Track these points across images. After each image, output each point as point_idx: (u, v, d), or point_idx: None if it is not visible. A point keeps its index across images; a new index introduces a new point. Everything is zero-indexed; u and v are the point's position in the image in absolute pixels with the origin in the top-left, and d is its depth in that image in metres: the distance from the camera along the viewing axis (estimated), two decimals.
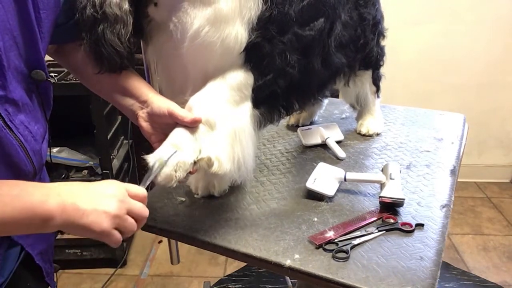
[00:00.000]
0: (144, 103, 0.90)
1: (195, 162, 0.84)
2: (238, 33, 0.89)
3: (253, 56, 0.93)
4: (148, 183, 0.80)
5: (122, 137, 2.39)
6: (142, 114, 0.90)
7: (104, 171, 2.06)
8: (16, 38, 0.71)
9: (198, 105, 0.88)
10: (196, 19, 0.87)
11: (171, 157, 0.81)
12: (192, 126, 0.86)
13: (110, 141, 2.12)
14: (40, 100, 0.81)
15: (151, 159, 0.81)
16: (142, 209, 0.73)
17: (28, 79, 0.76)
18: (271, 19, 0.92)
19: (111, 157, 2.13)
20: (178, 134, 0.85)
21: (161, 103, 0.88)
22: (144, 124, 0.90)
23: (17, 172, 0.73)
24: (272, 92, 1.00)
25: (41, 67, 0.77)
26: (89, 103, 1.91)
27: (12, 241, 0.83)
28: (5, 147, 0.70)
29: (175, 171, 0.81)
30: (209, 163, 0.86)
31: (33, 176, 0.78)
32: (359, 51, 1.27)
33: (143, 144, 2.59)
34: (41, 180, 0.90)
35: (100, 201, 0.68)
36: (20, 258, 0.88)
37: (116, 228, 0.69)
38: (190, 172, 0.85)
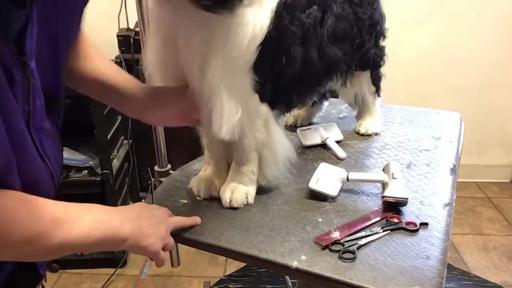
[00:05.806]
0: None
1: None
2: (264, 19, 0.87)
3: (268, 52, 0.90)
4: None
5: (122, 137, 2.38)
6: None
7: (104, 171, 2.05)
8: (50, 72, 0.74)
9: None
10: None
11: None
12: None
13: (110, 141, 2.12)
14: (56, 122, 0.82)
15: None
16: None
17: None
18: (286, 5, 0.90)
19: (111, 157, 2.13)
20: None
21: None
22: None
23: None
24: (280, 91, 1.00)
25: (59, 94, 0.80)
26: (89, 103, 1.90)
27: None
28: (39, 176, 0.71)
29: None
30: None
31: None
32: (356, 50, 1.24)
33: (143, 144, 2.58)
34: None
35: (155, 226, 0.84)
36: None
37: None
38: None
